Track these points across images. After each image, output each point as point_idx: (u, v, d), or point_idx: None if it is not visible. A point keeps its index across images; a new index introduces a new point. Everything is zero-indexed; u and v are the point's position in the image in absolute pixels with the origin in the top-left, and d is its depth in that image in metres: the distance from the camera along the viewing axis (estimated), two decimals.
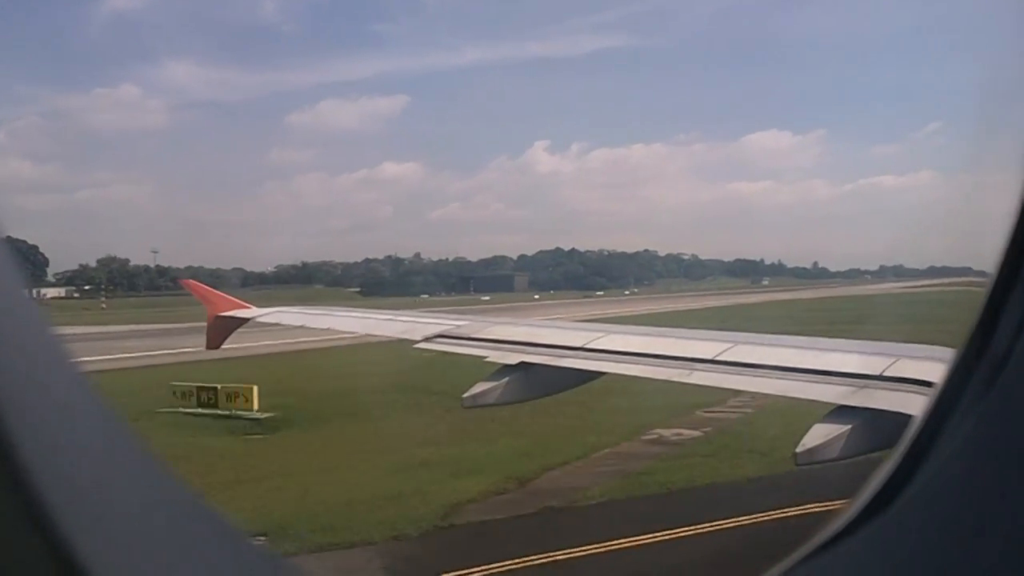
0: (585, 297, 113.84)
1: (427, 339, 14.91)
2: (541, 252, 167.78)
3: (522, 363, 11.97)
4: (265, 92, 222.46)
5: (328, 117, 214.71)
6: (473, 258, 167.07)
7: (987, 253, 1.70)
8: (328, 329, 16.07)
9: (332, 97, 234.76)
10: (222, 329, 16.19)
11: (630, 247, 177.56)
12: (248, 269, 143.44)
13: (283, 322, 16.30)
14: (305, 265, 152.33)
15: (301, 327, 16.25)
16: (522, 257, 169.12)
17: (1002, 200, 1.64)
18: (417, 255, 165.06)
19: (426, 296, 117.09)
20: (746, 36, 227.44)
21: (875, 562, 1.62)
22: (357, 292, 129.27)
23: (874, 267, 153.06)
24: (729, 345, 10.52)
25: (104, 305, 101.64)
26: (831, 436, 8.56)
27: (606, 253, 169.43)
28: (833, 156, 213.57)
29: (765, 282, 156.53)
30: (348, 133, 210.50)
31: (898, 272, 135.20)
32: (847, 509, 1.67)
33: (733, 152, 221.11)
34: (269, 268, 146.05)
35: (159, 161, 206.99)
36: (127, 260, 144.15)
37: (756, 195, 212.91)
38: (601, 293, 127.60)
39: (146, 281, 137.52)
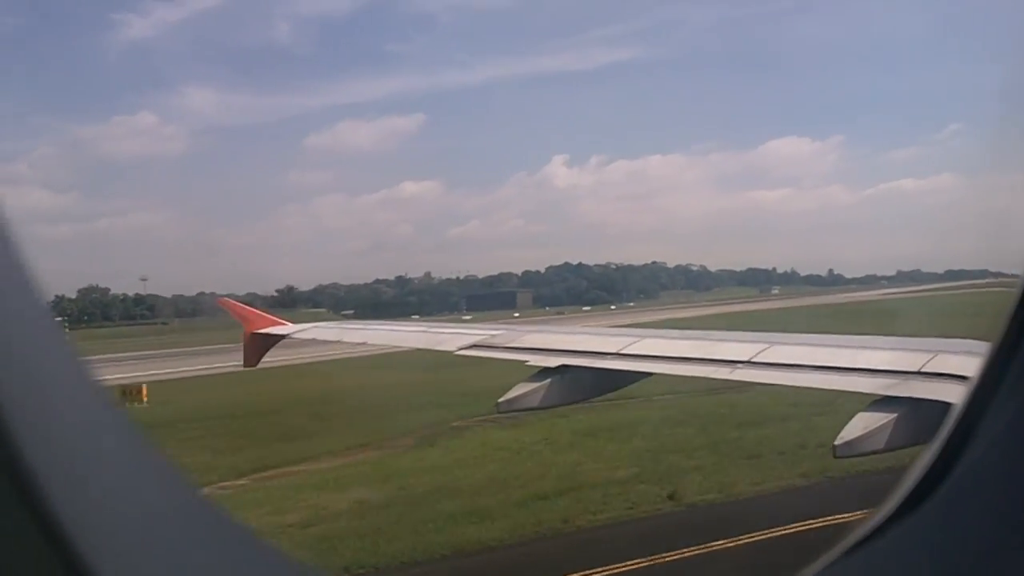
0: (576, 312, 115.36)
1: (462, 348, 15.59)
2: (551, 268, 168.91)
3: (563, 366, 12.50)
4: (282, 115, 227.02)
5: (346, 138, 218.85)
6: (482, 275, 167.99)
7: (1009, 253, 1.89)
8: (363, 343, 16.67)
9: (349, 118, 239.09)
10: (259, 347, 16.89)
11: (645, 259, 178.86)
12: (261, 293, 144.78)
13: (319, 337, 17.05)
14: (313, 288, 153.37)
15: (337, 341, 16.93)
16: (526, 273, 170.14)
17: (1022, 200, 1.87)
18: (427, 274, 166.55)
19: (416, 317, 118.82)
20: (760, 44, 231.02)
21: (915, 555, 1.65)
22: (350, 314, 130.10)
23: (891, 272, 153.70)
24: (765, 346, 11.06)
25: None
26: (874, 427, 8.69)
27: (613, 267, 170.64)
28: (852, 161, 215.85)
29: (775, 291, 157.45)
30: (366, 153, 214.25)
31: (915, 277, 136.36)
32: (887, 503, 1.71)
33: (751, 160, 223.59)
34: (272, 291, 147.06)
35: (177, 187, 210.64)
36: (107, 289, 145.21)
37: (775, 203, 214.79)
38: (588, 308, 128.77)
39: (122, 311, 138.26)
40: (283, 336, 16.83)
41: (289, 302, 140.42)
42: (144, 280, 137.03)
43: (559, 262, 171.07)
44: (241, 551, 1.62)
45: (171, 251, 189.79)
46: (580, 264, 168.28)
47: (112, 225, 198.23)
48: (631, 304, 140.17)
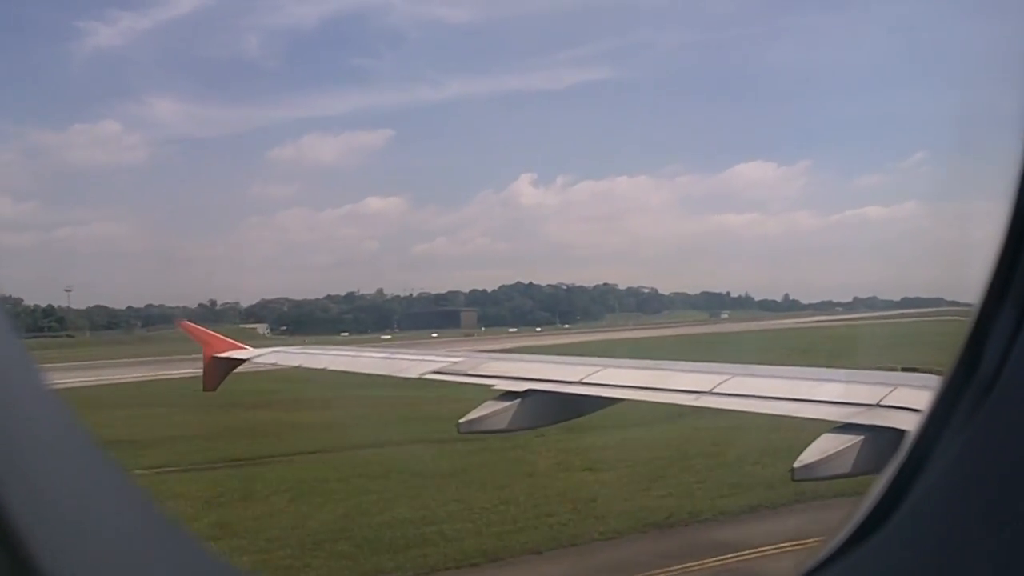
0: (508, 333, 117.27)
1: (422, 375, 16.11)
2: (503, 287, 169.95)
3: (529, 391, 13.01)
4: (247, 128, 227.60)
5: (311, 152, 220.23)
6: (434, 292, 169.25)
7: (968, 282, 1.74)
8: (324, 369, 17.12)
9: (315, 131, 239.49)
10: (219, 370, 17.22)
11: (612, 280, 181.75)
12: (218, 307, 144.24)
13: (280, 362, 17.44)
14: (257, 302, 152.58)
15: (298, 367, 17.36)
16: (473, 292, 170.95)
17: (984, 229, 1.64)
18: (380, 291, 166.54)
19: (346, 334, 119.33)
20: (729, 69, 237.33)
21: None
22: (283, 331, 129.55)
23: (848, 299, 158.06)
24: (726, 377, 11.72)
25: None
26: (835, 450, 8.88)
27: (564, 287, 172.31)
28: (819, 187, 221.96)
29: (724, 315, 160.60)
30: (331, 168, 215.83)
31: (871, 304, 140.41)
32: (840, 530, 1.79)
33: (718, 184, 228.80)
34: (217, 305, 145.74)
35: (139, 198, 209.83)
36: (20, 300, 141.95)
37: (741, 227, 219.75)
38: (514, 330, 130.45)
39: (30, 322, 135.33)
40: (243, 360, 17.20)
41: (213, 316, 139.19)
42: (68, 291, 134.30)
43: (511, 281, 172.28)
44: (184, 556, 1.66)
45: (131, 262, 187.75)
46: (531, 284, 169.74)
47: (73, 235, 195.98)
48: (566, 326, 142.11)
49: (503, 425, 13.05)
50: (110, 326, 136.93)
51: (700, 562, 18.48)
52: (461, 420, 13.45)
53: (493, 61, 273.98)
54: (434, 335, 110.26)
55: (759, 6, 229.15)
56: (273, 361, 17.56)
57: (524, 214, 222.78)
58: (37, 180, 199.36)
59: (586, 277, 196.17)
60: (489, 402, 13.39)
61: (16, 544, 1.29)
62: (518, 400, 13.10)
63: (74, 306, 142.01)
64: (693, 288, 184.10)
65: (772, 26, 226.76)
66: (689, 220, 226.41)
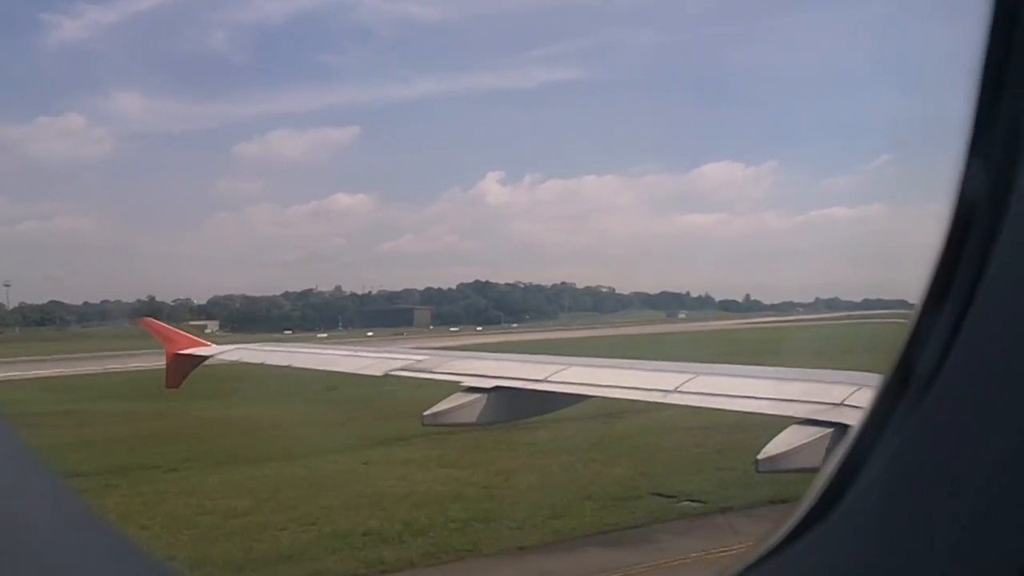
0: (450, 332, 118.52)
1: (388, 372, 16.42)
2: (461, 285, 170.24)
3: (497, 387, 13.36)
4: (214, 123, 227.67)
5: (278, 148, 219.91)
6: (396, 289, 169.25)
7: (915, 284, 1.82)
8: (288, 365, 17.34)
9: (282, 127, 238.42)
10: (181, 367, 17.34)
11: (563, 279, 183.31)
12: (163, 302, 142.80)
13: (243, 359, 17.65)
14: (209, 299, 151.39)
15: (261, 364, 17.54)
16: (428, 290, 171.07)
17: (934, 230, 1.77)
18: (338, 288, 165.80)
19: (289, 332, 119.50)
20: (697, 69, 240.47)
21: (811, 572, 1.80)
22: (224, 328, 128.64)
23: (810, 300, 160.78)
24: (690, 376, 12.15)
25: None
26: (801, 443, 9.10)
27: (521, 286, 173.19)
28: (786, 187, 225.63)
29: (681, 315, 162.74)
30: (297, 164, 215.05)
31: (832, 305, 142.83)
32: (783, 523, 1.85)
33: (686, 183, 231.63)
34: (169, 301, 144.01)
35: (105, 192, 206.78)
36: None
37: (708, 227, 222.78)
38: (455, 329, 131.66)
39: None
40: (206, 357, 17.34)
41: (149, 312, 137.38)
42: (7, 286, 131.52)
43: (470, 280, 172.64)
44: (112, 553, 1.68)
45: (94, 256, 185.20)
46: (487, 283, 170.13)
47: (37, 228, 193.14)
48: (514, 325, 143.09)
49: (472, 419, 13.40)
50: (43, 322, 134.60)
51: None
52: (425, 412, 13.75)
53: (463, 59, 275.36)
54: (369, 334, 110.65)
55: (730, 8, 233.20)
56: (237, 358, 17.73)
57: (491, 212, 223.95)
58: (1, 174, 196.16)
59: (552, 276, 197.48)
60: (457, 394, 13.70)
61: None
62: (486, 395, 13.42)
63: (30, 301, 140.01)
64: (653, 288, 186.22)
65: (742, 28, 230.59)
66: (656, 220, 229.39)
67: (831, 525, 1.75)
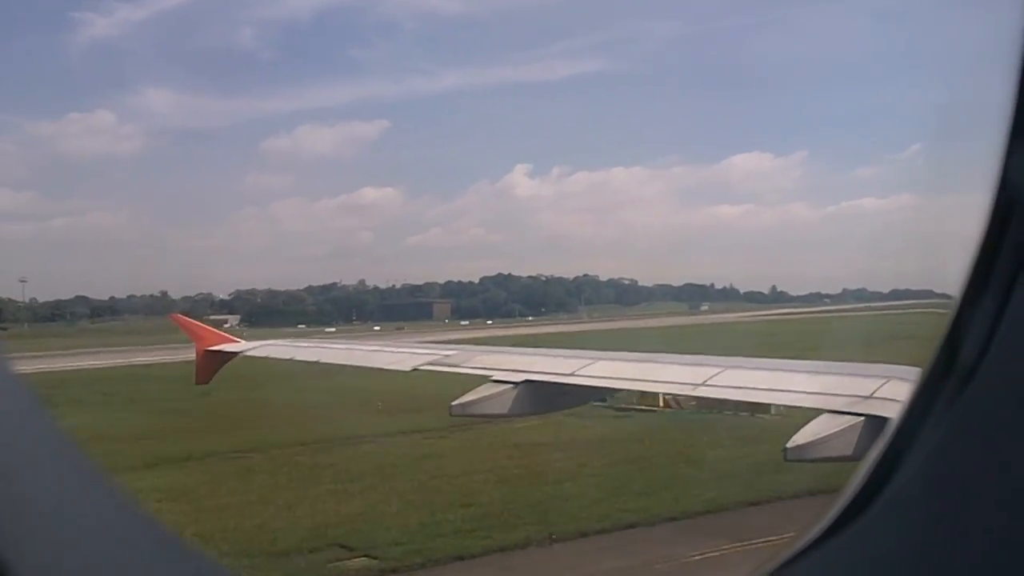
0: (460, 326, 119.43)
1: (415, 368, 16.69)
2: (484, 278, 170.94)
3: (526, 380, 13.62)
4: (242, 119, 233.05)
5: (306, 142, 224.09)
6: (419, 283, 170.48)
7: (953, 274, 1.80)
8: (317, 361, 17.67)
9: (310, 122, 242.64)
10: (211, 363, 17.69)
11: (586, 271, 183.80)
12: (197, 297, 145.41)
13: (272, 355, 17.98)
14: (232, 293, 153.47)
15: (290, 359, 17.88)
16: (449, 283, 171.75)
17: (971, 221, 1.74)
18: (361, 282, 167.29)
19: (303, 327, 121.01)
20: (723, 59, 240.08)
21: (849, 570, 1.81)
22: (244, 323, 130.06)
23: (837, 291, 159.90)
24: (719, 370, 12.33)
25: None
26: (832, 431, 9.12)
27: (543, 279, 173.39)
28: (815, 178, 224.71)
29: (704, 308, 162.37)
30: (326, 158, 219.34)
31: (861, 296, 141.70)
32: (822, 517, 1.85)
33: (714, 175, 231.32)
34: (185, 296, 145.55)
35: (134, 188, 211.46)
36: None
37: (736, 218, 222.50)
38: (466, 323, 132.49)
39: None
40: (236, 353, 17.68)
41: (162, 308, 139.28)
42: (23, 282, 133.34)
43: (493, 273, 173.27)
44: (163, 553, 1.67)
45: (125, 252, 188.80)
46: (509, 275, 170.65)
47: (70, 224, 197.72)
48: (529, 318, 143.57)
49: (504, 410, 13.68)
50: (53, 318, 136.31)
51: None
52: (453, 403, 14.04)
53: (487, 53, 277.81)
54: (376, 328, 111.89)
55: None
56: (265, 354, 18.07)
57: (519, 205, 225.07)
58: (33, 170, 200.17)
59: (578, 268, 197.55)
60: (487, 385, 13.96)
61: None
62: (517, 386, 13.68)
63: (60, 297, 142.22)
64: (678, 280, 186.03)
65: (768, 17, 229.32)
66: (684, 211, 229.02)
67: (872, 518, 1.75)
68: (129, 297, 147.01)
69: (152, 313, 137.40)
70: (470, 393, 14.12)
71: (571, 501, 25.09)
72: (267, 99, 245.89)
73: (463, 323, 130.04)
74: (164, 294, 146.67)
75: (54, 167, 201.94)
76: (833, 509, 1.83)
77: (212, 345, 17.70)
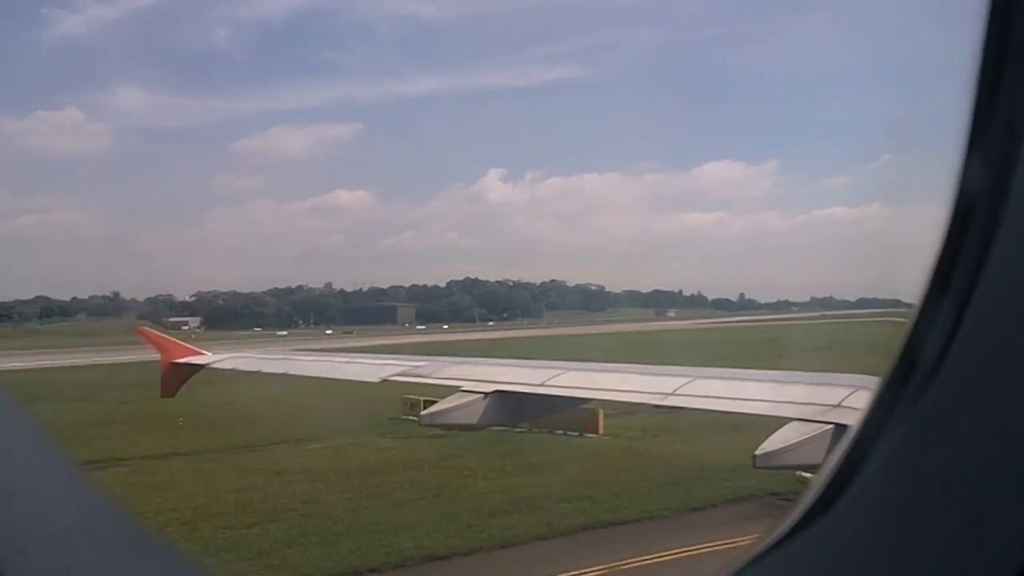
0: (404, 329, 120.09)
1: (383, 379, 16.72)
2: (453, 282, 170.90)
3: (497, 391, 13.72)
4: (214, 119, 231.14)
5: (278, 143, 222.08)
6: (385, 286, 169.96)
7: (918, 283, 1.84)
8: (284, 373, 17.60)
9: (282, 124, 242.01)
10: (177, 376, 17.55)
11: (560, 277, 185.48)
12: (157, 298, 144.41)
13: (239, 367, 17.90)
14: (193, 295, 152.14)
15: (257, 372, 17.78)
16: (414, 287, 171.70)
17: (934, 230, 1.80)
18: (328, 284, 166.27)
19: (259, 329, 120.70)
20: (698, 68, 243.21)
21: (811, 568, 1.84)
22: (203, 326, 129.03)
23: (805, 299, 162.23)
24: (687, 380, 12.54)
25: None
26: (801, 439, 9.26)
27: (510, 284, 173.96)
28: (786, 187, 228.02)
29: (671, 313, 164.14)
30: (298, 160, 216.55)
31: (828, 304, 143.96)
32: (786, 517, 1.88)
33: (687, 182, 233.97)
34: (142, 298, 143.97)
35: (103, 187, 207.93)
36: None
37: (709, 226, 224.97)
38: (423, 327, 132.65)
39: None
40: (202, 366, 17.55)
41: (113, 310, 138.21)
42: None
43: (460, 277, 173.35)
44: (143, 553, 1.68)
45: (89, 251, 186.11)
46: (476, 280, 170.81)
47: (36, 223, 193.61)
48: (489, 323, 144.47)
49: (474, 420, 13.75)
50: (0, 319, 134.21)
51: None
52: (423, 412, 14.06)
53: (464, 57, 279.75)
54: (328, 332, 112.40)
55: (730, 9, 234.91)
56: (232, 366, 17.96)
57: (492, 210, 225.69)
58: None
59: (550, 273, 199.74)
60: (457, 395, 14.00)
61: None
62: (487, 396, 13.76)
63: (23, 296, 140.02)
64: (646, 286, 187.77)
65: (743, 28, 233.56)
66: (657, 218, 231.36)
67: (834, 519, 1.79)
68: (91, 297, 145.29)
69: (103, 315, 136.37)
70: (440, 403, 14.18)
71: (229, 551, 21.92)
72: (240, 99, 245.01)
73: (419, 327, 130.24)
74: (116, 295, 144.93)
75: (20, 165, 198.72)
76: (797, 510, 1.87)
77: (177, 357, 17.57)
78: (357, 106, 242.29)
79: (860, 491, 1.77)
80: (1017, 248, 1.66)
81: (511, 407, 14.31)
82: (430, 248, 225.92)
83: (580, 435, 33.04)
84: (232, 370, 17.81)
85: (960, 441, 1.67)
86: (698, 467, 28.19)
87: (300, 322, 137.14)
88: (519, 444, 31.58)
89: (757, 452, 9.62)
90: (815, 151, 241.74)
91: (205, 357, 17.75)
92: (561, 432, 33.04)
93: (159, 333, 19.67)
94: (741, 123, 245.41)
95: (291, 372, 17.63)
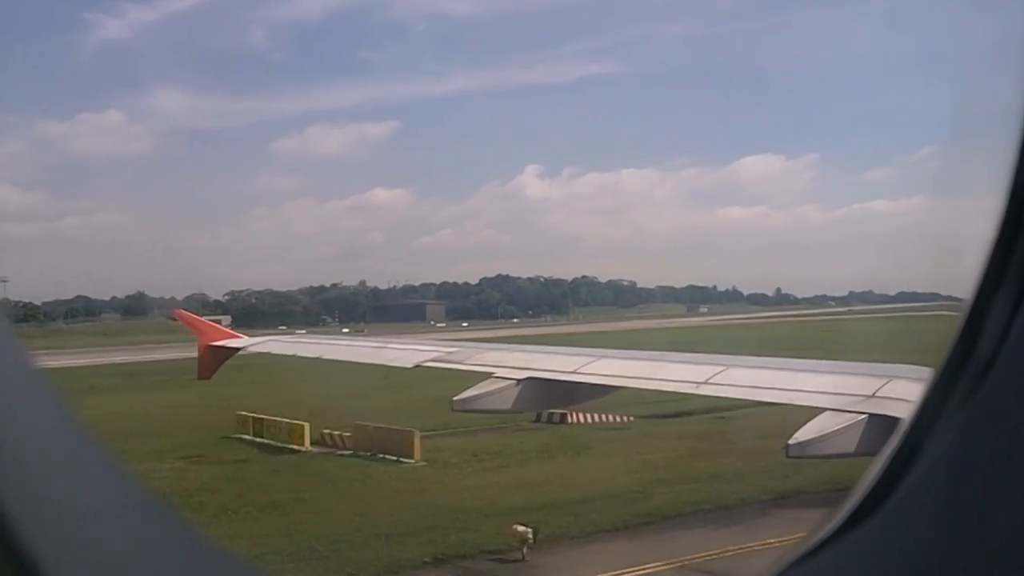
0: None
1: (418, 364, 17.02)
2: (485, 279, 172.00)
3: (529, 378, 13.91)
4: (252, 120, 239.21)
5: (315, 143, 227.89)
6: (408, 284, 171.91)
7: (960, 278, 1.79)
8: (318, 357, 17.98)
9: (320, 123, 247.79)
10: (214, 358, 17.97)
11: (614, 274, 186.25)
12: (98, 297, 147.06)
13: (274, 351, 18.28)
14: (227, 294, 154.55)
15: (293, 355, 18.19)
16: (444, 284, 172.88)
17: (982, 224, 1.76)
18: (362, 283, 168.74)
19: (283, 328, 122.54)
20: (734, 61, 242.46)
21: (862, 567, 1.80)
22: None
23: (843, 293, 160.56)
24: (720, 368, 12.65)
25: None
26: (834, 428, 9.29)
27: (542, 280, 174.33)
28: (826, 180, 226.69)
29: (703, 309, 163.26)
30: (336, 159, 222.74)
31: (867, 298, 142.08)
32: (834, 514, 1.84)
33: (725, 177, 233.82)
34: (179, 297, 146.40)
35: (144, 188, 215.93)
36: None
37: (747, 220, 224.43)
38: (443, 324, 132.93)
39: None
40: (238, 349, 17.98)
41: (139, 310, 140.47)
42: (4, 281, 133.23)
43: (492, 274, 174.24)
44: (183, 549, 1.69)
45: (134, 252, 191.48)
46: (506, 276, 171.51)
47: (79, 224, 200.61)
48: (514, 320, 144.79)
49: (506, 406, 13.98)
50: (25, 319, 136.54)
51: None
52: (455, 397, 14.23)
53: (497, 54, 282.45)
54: (344, 330, 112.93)
55: (764, 1, 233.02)
56: (267, 350, 18.36)
57: (529, 206, 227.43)
58: (43, 170, 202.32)
59: (585, 270, 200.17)
60: (489, 380, 14.19)
61: (11, 536, 1.34)
62: (520, 383, 13.95)
63: (63, 297, 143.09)
64: (680, 282, 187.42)
65: (778, 20, 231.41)
66: (695, 213, 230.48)
67: (884, 517, 1.75)
68: (112, 299, 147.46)
69: (128, 314, 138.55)
70: (472, 388, 14.36)
71: None
72: (277, 100, 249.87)
73: (438, 325, 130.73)
74: (141, 294, 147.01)
75: (64, 167, 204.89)
76: (845, 507, 1.83)
77: (214, 341, 17.99)
78: (393, 105, 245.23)
79: (912, 488, 1.73)
80: None
81: (543, 393, 14.50)
82: (468, 246, 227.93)
83: (398, 460, 29.65)
84: (268, 353, 18.29)
85: (1017, 435, 1.64)
86: (464, 510, 23.21)
87: (328, 320, 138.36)
88: (306, 474, 28.52)
89: (790, 441, 9.72)
90: (855, 143, 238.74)
91: (241, 340, 18.17)
92: (382, 456, 30.01)
93: (197, 316, 20.14)
94: (779, 116, 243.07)
95: (325, 356, 18.02)
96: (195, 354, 18.10)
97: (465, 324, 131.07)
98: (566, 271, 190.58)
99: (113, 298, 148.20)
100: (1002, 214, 1.74)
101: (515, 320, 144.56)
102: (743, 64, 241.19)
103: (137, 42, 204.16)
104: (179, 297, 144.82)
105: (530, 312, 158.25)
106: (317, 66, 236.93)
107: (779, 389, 11.79)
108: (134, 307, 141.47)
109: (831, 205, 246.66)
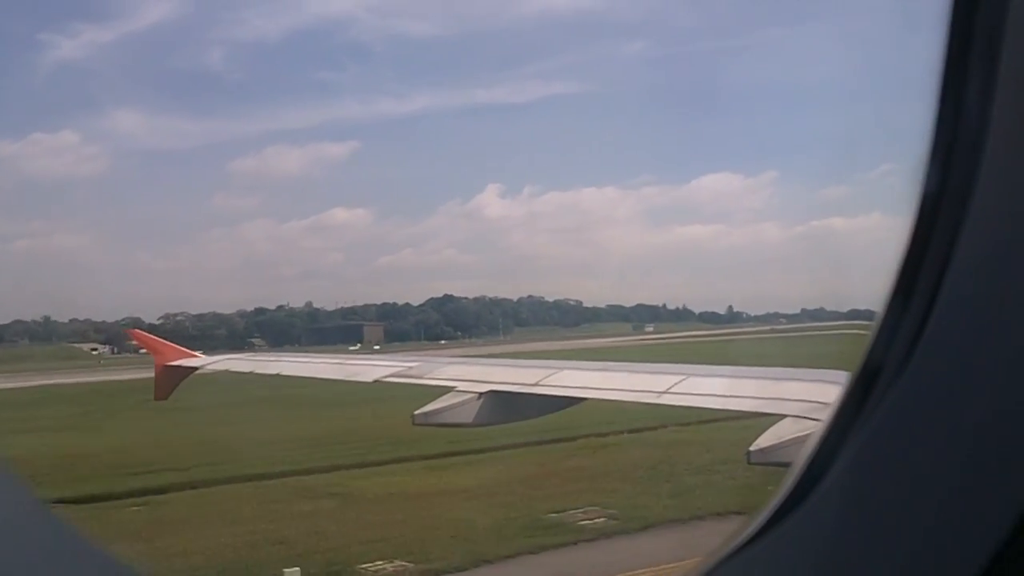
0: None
1: (377, 380, 17.29)
2: (431, 299, 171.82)
3: (491, 391, 14.28)
4: (210, 140, 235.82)
5: (275, 163, 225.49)
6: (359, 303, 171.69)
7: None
8: (276, 375, 18.18)
9: (279, 143, 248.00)
10: (171, 379, 18.07)
11: (572, 294, 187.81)
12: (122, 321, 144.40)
13: (232, 369, 18.46)
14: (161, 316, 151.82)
15: (250, 372, 18.35)
16: (384, 305, 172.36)
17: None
18: (309, 303, 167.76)
19: (201, 353, 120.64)
20: (692, 81, 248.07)
21: (778, 567, 1.94)
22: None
23: (796, 310, 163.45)
24: (681, 377, 13.15)
25: None
26: (795, 435, 9.43)
27: (488, 299, 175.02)
28: (784, 198, 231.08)
29: (649, 328, 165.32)
30: (295, 179, 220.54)
31: (817, 316, 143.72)
32: (758, 514, 1.98)
33: (684, 195, 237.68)
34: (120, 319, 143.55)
35: (100, 209, 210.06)
36: None
37: (706, 238, 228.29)
38: (355, 348, 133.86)
39: None
40: (195, 368, 18.10)
41: (43, 334, 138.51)
42: None
43: (438, 295, 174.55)
44: (80, 560, 1.69)
45: (90, 275, 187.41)
46: (448, 296, 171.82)
47: (33, 246, 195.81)
48: (442, 341, 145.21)
49: (468, 419, 14.26)
50: None
51: None
52: (416, 412, 14.46)
53: (458, 74, 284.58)
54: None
55: (723, 21, 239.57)
56: (225, 368, 18.51)
57: (490, 225, 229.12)
58: None
59: (539, 289, 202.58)
60: (451, 394, 14.48)
61: None
62: (481, 396, 14.28)
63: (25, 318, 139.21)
64: (630, 300, 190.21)
65: (738, 41, 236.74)
66: (655, 231, 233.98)
67: (805, 515, 1.85)
68: (14, 321, 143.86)
69: (34, 339, 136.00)
70: (433, 402, 14.64)
71: None
72: (236, 120, 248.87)
73: (350, 348, 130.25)
74: (46, 319, 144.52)
75: (17, 188, 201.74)
76: (766, 509, 1.94)
77: (171, 360, 18.08)
78: (353, 125, 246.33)
79: (830, 487, 1.83)
80: (980, 251, 1.72)
81: (505, 406, 14.85)
82: (429, 265, 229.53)
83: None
84: (225, 371, 18.44)
85: (926, 438, 1.72)
86: None
87: (256, 344, 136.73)
88: None
89: (751, 448, 9.93)
90: (813, 161, 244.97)
91: (198, 360, 18.30)
92: None
93: (153, 336, 20.18)
94: (738, 135, 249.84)
95: (283, 373, 18.21)
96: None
97: (376, 347, 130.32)
98: (521, 291, 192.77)
99: (72, 320, 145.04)
100: (912, 225, 1.86)
101: (443, 342, 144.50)
102: (703, 83, 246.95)
103: (93, 62, 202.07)
104: (110, 320, 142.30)
105: (459, 333, 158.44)
106: (276, 87, 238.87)
107: (737, 397, 12.29)
108: (38, 332, 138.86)
109: (789, 222, 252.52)
